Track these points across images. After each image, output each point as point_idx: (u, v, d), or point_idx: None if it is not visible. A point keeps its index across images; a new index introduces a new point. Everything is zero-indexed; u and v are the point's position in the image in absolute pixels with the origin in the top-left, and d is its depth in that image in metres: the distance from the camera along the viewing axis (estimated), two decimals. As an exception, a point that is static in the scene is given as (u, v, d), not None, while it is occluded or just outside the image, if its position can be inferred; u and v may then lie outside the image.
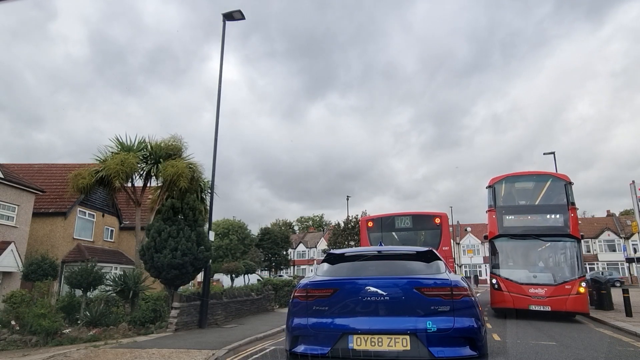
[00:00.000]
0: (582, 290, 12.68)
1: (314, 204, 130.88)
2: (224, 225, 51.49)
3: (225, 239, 49.36)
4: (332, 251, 5.68)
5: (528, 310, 12.85)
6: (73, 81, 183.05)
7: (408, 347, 4.16)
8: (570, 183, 14.07)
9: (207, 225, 12.79)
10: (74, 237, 21.49)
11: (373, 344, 4.24)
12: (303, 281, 5.08)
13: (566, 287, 12.73)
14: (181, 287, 20.18)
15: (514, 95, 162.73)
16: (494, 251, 14.12)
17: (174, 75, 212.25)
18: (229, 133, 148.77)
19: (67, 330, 11.15)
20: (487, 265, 57.84)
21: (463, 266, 59.20)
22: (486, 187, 15.06)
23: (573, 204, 13.78)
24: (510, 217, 14.18)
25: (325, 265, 5.25)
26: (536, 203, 14.58)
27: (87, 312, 11.89)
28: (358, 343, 4.27)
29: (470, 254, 53.96)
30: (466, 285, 4.57)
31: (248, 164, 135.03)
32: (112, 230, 25.55)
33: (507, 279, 13.36)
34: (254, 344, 9.59)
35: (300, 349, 4.48)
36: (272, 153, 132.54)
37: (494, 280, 13.70)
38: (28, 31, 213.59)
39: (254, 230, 61.79)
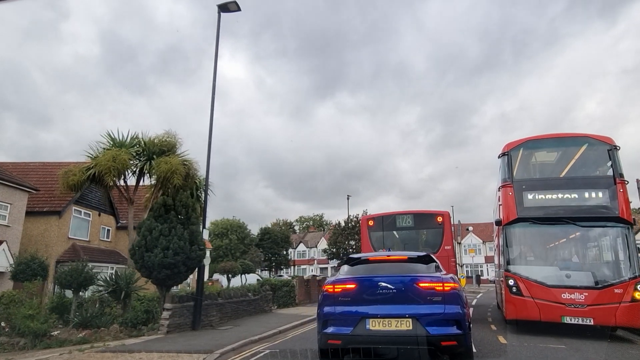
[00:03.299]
0: (638, 295, 9.16)
1: (318, 204, 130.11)
2: (223, 225, 51.13)
3: (225, 239, 48.98)
4: (351, 255, 7.19)
5: (561, 324, 9.53)
6: (83, 81, 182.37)
7: (410, 327, 5.42)
8: (616, 147, 10.40)
9: (201, 224, 12.38)
10: (69, 236, 21.14)
11: (384, 325, 5.53)
12: (330, 279, 6.45)
13: (615, 291, 9.27)
14: (179, 287, 19.81)
15: (523, 94, 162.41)
16: (509, 242, 10.57)
17: (184, 75, 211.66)
18: (236, 132, 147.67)
19: (56, 332, 10.78)
20: (489, 265, 57.99)
21: (464, 266, 58.73)
22: (499, 156, 11.62)
23: (621, 175, 10.14)
24: (532, 194, 10.60)
25: (346, 267, 6.62)
26: (568, 175, 11.16)
27: (78, 314, 11.50)
28: (373, 325, 5.56)
29: (472, 254, 53.49)
30: (454, 282, 5.85)
31: (254, 163, 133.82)
32: (108, 230, 25.19)
33: (529, 279, 9.97)
34: (249, 347, 9.20)
35: (330, 329, 5.77)
36: (278, 152, 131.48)
37: (510, 282, 10.15)
38: (40, 31, 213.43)
39: (255, 230, 61.47)
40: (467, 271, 56.72)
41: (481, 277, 52.52)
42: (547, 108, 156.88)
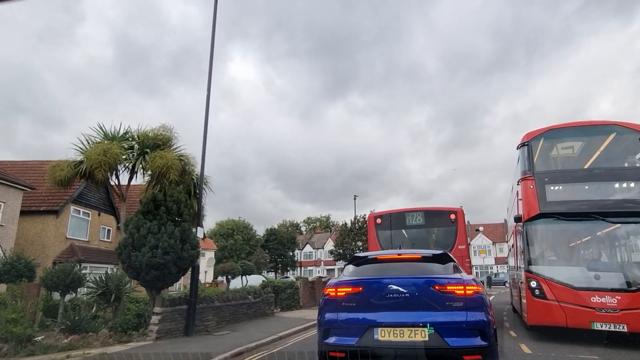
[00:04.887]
0: None
1: (326, 205, 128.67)
2: (228, 226, 50.49)
3: (230, 240, 48.33)
4: (357, 254, 6.45)
5: (590, 330, 8.50)
6: (95, 83, 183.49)
7: (427, 338, 4.64)
8: None
9: (197, 222, 11.58)
10: (67, 236, 20.52)
11: (395, 335, 4.76)
12: (332, 281, 5.60)
13: None
14: (180, 288, 19.05)
15: (535, 93, 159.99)
16: (530, 240, 9.63)
17: (196, 77, 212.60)
18: (245, 134, 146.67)
19: (40, 338, 10.06)
20: (499, 266, 56.68)
21: (474, 267, 57.55)
22: (517, 148, 10.82)
23: None
24: (556, 187, 9.71)
25: (351, 267, 5.85)
26: (594, 166, 10.15)
27: (65, 318, 10.76)
28: (382, 335, 4.80)
29: (483, 255, 52.31)
30: (476, 284, 5.05)
31: (263, 165, 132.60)
32: (109, 230, 24.57)
33: (554, 280, 9.01)
34: (245, 355, 8.41)
35: (332, 340, 5.04)
36: (287, 154, 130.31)
37: (533, 283, 9.21)
38: (54, 34, 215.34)
39: (262, 230, 60.69)
40: (477, 272, 55.55)
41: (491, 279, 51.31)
42: (560, 108, 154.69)
